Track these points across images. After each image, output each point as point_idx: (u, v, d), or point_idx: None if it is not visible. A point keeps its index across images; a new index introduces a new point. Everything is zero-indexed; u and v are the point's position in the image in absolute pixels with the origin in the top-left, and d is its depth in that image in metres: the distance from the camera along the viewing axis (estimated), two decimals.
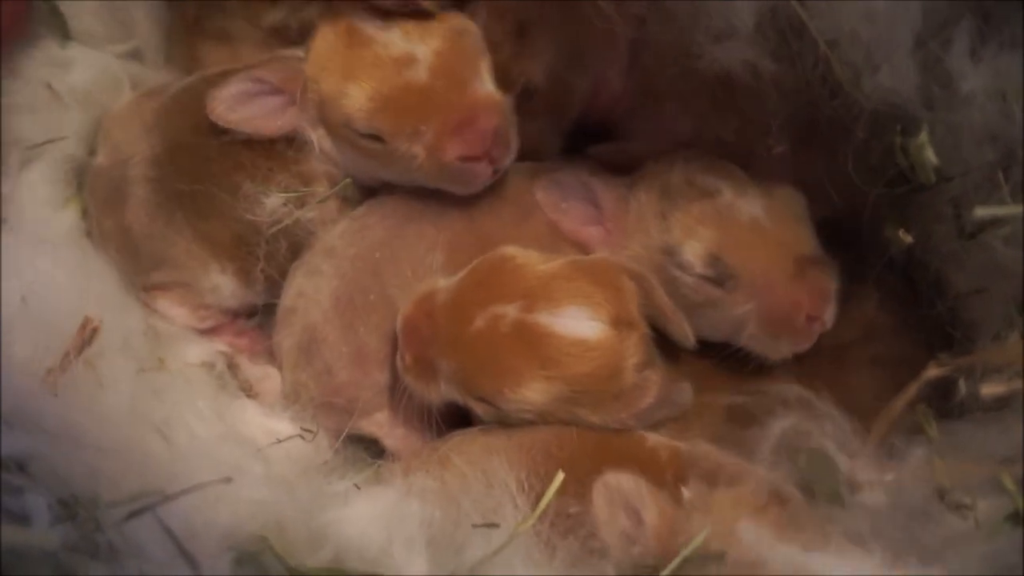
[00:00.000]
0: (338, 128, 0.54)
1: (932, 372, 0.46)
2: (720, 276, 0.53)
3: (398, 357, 0.52)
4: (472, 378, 0.50)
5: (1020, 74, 0.42)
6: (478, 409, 0.51)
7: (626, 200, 0.56)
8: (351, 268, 0.57)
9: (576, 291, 0.50)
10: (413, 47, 0.52)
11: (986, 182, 0.46)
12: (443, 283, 0.52)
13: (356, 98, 0.52)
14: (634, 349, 0.50)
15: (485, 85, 0.53)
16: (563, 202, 0.57)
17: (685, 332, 0.53)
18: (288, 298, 0.58)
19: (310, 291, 0.57)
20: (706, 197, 0.54)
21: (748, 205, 0.54)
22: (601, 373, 0.49)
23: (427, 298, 0.52)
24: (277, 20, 0.59)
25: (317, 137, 0.55)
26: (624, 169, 0.58)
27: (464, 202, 0.56)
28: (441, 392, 0.51)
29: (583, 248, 0.57)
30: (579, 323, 0.49)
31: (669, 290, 0.53)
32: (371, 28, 0.52)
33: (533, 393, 0.49)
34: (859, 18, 0.42)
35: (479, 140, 0.51)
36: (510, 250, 0.52)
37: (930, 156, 0.46)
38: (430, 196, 0.56)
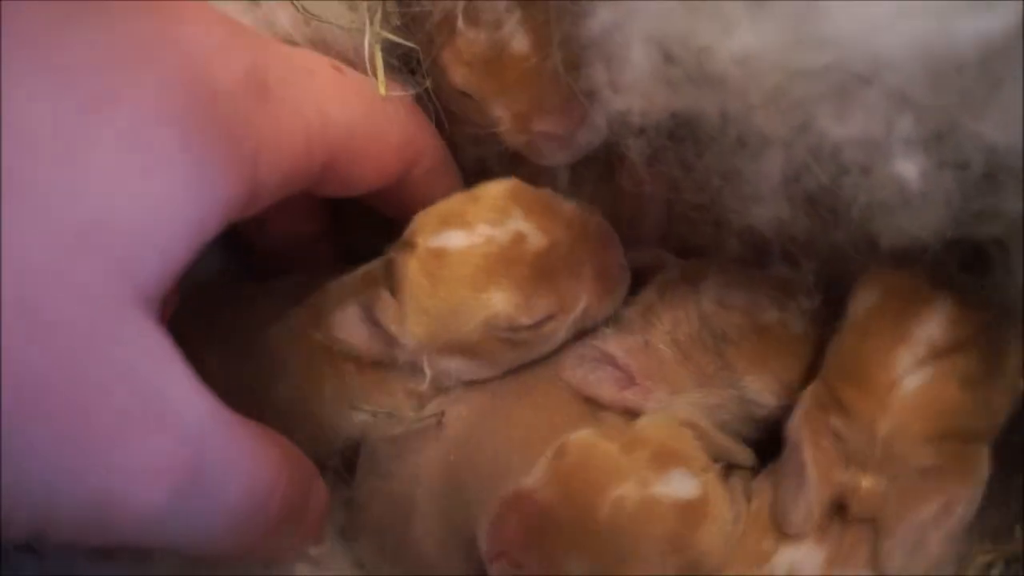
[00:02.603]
0: None
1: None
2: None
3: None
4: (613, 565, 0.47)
5: None
6: None
7: (651, 347, 0.54)
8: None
9: (668, 456, 0.49)
10: None
11: None
12: (530, 481, 0.49)
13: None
14: (723, 489, 0.49)
15: None
16: (591, 376, 0.55)
17: (745, 456, 0.53)
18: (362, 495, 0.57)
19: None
20: (750, 319, 0.53)
21: (794, 317, 0.53)
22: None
23: (524, 499, 0.48)
24: None
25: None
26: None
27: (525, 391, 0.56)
28: None
29: (632, 412, 0.54)
30: (685, 484, 0.48)
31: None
32: None
33: None
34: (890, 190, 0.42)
35: None
36: (585, 435, 0.50)
37: None
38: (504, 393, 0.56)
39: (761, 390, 0.53)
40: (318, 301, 0.56)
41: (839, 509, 0.49)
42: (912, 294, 0.47)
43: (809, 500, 0.48)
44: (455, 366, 0.55)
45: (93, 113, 0.35)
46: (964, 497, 0.46)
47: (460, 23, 0.50)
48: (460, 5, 0.49)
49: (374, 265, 0.55)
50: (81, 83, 0.35)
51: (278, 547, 0.49)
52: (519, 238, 0.51)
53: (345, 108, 0.49)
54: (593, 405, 0.55)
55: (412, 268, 0.51)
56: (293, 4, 0.52)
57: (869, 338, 0.48)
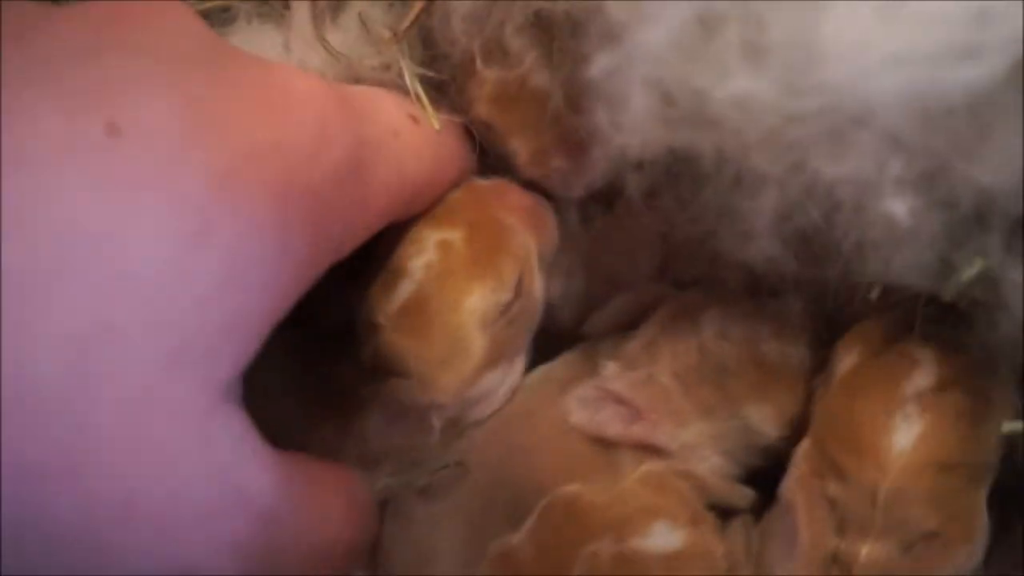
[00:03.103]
0: None
1: None
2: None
3: None
4: None
5: None
6: None
7: (655, 381, 0.55)
8: None
9: (651, 508, 0.50)
10: None
11: None
12: (515, 539, 0.50)
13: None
14: (712, 537, 0.50)
15: None
16: (597, 416, 0.55)
17: (743, 499, 0.54)
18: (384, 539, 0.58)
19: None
20: (750, 350, 0.54)
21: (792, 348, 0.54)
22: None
23: (507, 557, 0.50)
24: None
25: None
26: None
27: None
28: None
29: (644, 447, 0.55)
30: (668, 537, 0.49)
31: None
32: None
33: None
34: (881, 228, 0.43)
35: None
36: (571, 489, 0.51)
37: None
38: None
39: (762, 420, 0.54)
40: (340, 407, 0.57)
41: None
42: (895, 350, 0.49)
43: (799, 565, 0.48)
44: (489, 382, 0.55)
45: (198, 244, 0.36)
46: (967, 552, 0.47)
47: (479, 63, 0.51)
48: (477, 44, 0.50)
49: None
50: (194, 213, 0.37)
51: None
52: (446, 247, 0.53)
53: (419, 160, 0.51)
54: (605, 446, 0.56)
55: (393, 342, 0.52)
56: (323, 46, 0.54)
57: (858, 400, 0.49)
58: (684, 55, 0.41)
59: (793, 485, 0.50)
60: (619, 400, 0.55)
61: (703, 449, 0.55)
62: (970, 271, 0.45)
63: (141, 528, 0.36)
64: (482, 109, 0.54)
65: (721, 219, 0.46)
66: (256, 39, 0.55)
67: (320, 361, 0.57)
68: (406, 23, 0.53)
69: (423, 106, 0.54)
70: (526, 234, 0.55)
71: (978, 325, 0.46)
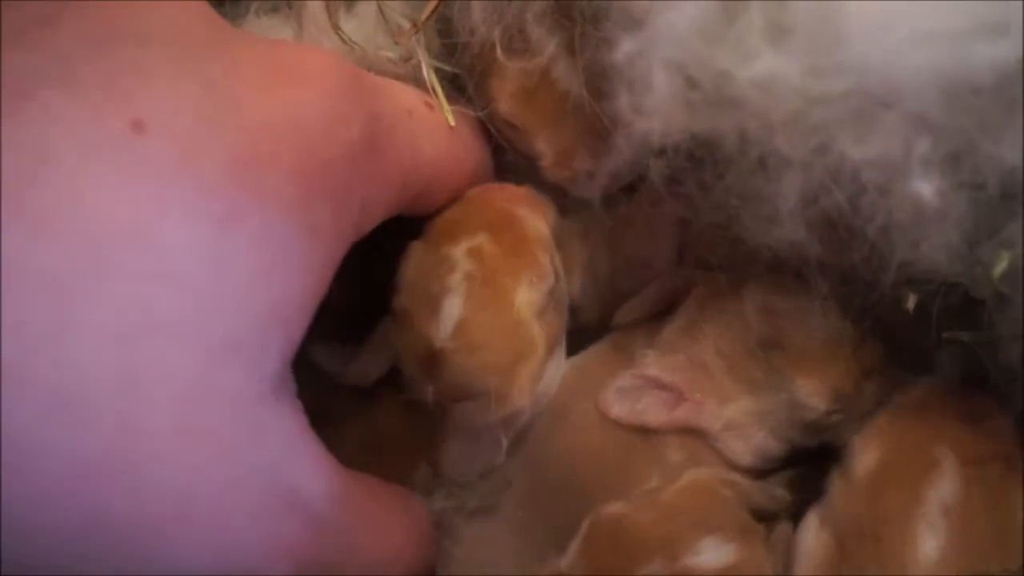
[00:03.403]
0: None
1: None
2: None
3: None
4: None
5: None
6: None
7: (696, 361, 0.55)
8: None
9: (699, 523, 0.49)
10: None
11: None
12: (563, 563, 0.49)
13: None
14: (762, 549, 0.50)
15: None
16: (637, 405, 0.55)
17: (778, 500, 0.54)
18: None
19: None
20: (796, 323, 0.53)
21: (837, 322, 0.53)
22: None
23: None
24: None
25: None
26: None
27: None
28: None
29: (687, 430, 0.55)
30: (718, 552, 0.48)
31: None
32: None
33: None
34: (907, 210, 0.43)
35: None
36: (615, 510, 0.50)
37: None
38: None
39: (811, 394, 0.53)
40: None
41: None
42: (917, 450, 0.48)
43: None
44: (548, 374, 0.55)
45: (229, 229, 0.37)
46: None
47: (499, 52, 0.51)
48: (497, 33, 0.50)
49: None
50: (221, 197, 0.37)
51: None
52: (478, 253, 0.52)
53: (434, 144, 0.51)
54: (646, 438, 0.56)
55: (461, 363, 0.51)
56: (337, 34, 0.53)
57: (880, 505, 0.48)
58: (707, 37, 0.40)
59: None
60: (660, 385, 0.55)
61: (749, 427, 0.55)
62: (1001, 266, 0.44)
63: (199, 522, 0.36)
64: (504, 105, 0.54)
65: (744, 204, 0.46)
66: (266, 34, 0.55)
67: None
68: (425, 14, 0.53)
69: (438, 98, 0.54)
70: (536, 219, 0.56)
71: (1002, 322, 0.46)
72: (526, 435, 0.57)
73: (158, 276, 0.35)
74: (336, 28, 0.54)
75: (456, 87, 0.57)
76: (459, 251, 0.52)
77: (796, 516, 0.53)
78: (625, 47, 0.41)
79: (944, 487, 0.47)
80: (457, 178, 0.54)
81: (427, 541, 0.51)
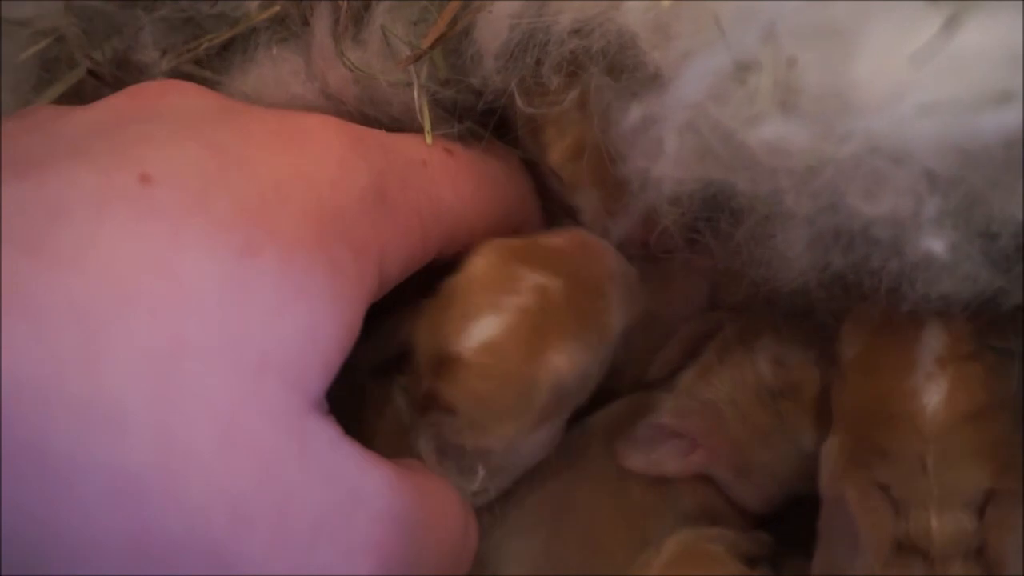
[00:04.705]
0: None
1: None
2: None
3: None
4: None
5: None
6: None
7: (710, 408, 0.55)
8: None
9: None
10: None
11: None
12: None
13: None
14: None
15: None
16: (652, 455, 0.56)
17: (762, 544, 0.55)
18: None
19: None
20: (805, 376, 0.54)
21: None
22: None
23: None
24: None
25: None
26: None
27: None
28: None
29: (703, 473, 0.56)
30: None
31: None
32: None
33: None
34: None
35: None
36: (688, 538, 0.51)
37: None
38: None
39: (818, 444, 0.53)
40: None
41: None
42: (901, 324, 0.48)
43: (869, 559, 0.47)
44: (538, 438, 0.53)
45: (242, 260, 0.38)
46: None
47: (519, 101, 0.51)
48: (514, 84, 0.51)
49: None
50: (235, 233, 0.39)
51: None
52: (542, 291, 0.50)
53: (456, 191, 0.52)
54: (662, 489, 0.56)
55: (464, 380, 0.49)
56: (343, 63, 0.53)
57: (876, 376, 0.48)
58: (717, 102, 0.41)
59: (835, 482, 0.49)
60: (674, 433, 0.55)
61: (760, 475, 0.56)
62: None
63: (257, 534, 0.37)
64: (556, 155, 0.53)
65: (756, 251, 0.46)
66: (278, 66, 0.56)
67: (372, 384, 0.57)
68: (427, 41, 0.52)
69: (424, 121, 0.53)
70: (617, 306, 0.53)
71: None
72: (534, 488, 0.57)
73: (181, 303, 0.36)
74: (342, 56, 0.54)
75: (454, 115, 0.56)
76: (531, 280, 0.50)
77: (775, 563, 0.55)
78: (636, 112, 0.42)
79: (933, 341, 0.48)
80: (489, 223, 0.54)
81: (475, 523, 0.50)
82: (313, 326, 0.40)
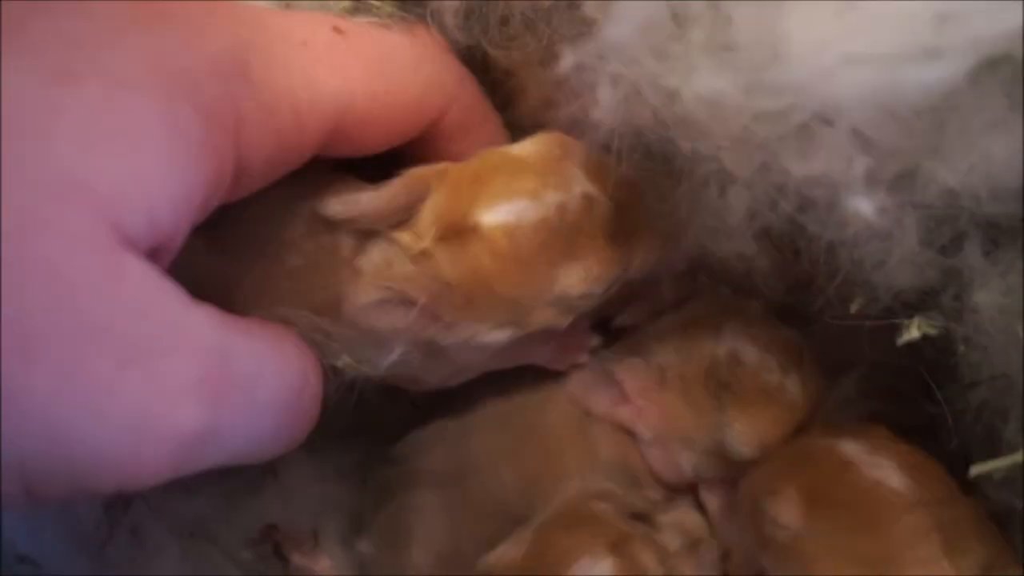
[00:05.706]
0: None
1: None
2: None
3: None
4: None
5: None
6: None
7: (655, 370, 0.56)
8: None
9: (567, 550, 0.50)
10: None
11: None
12: None
13: None
14: (643, 553, 0.51)
15: None
16: (590, 390, 0.57)
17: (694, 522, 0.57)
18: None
19: None
20: (755, 377, 0.54)
21: (793, 385, 0.55)
22: None
23: None
24: None
25: None
26: None
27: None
28: None
29: (626, 427, 0.57)
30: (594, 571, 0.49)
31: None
32: None
33: None
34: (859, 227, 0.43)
35: None
36: (574, 499, 0.53)
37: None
38: None
39: (743, 442, 0.54)
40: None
41: None
42: None
43: None
44: (500, 336, 0.50)
45: (58, 87, 0.37)
46: None
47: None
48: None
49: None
50: (46, 62, 0.37)
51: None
52: (588, 203, 0.48)
53: (343, 74, 0.47)
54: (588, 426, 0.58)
55: (476, 254, 0.46)
56: None
57: None
58: (652, 53, 0.41)
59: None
60: (613, 381, 0.56)
61: (677, 447, 0.56)
62: (909, 335, 0.46)
63: (43, 365, 0.34)
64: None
65: (694, 215, 0.47)
66: None
67: None
68: None
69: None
70: (644, 247, 0.52)
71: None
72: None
73: None
74: None
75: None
76: (582, 187, 0.48)
77: None
78: (569, 59, 0.42)
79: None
80: (389, 111, 0.49)
81: (318, 371, 0.47)
82: (137, 167, 0.37)
